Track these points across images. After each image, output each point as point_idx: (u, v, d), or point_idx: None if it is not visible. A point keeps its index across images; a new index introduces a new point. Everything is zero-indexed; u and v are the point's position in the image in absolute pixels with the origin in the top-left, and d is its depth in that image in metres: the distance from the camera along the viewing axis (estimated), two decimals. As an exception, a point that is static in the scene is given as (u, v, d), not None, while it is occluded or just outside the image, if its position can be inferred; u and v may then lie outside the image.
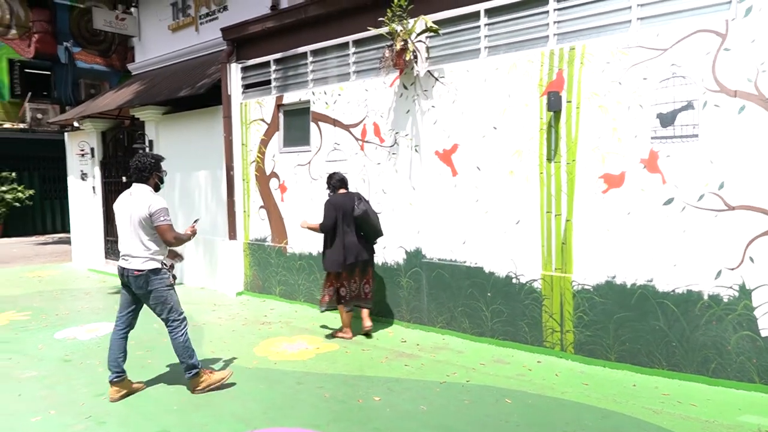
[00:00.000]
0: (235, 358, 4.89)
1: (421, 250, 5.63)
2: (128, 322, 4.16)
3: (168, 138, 8.51)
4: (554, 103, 4.56)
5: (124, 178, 9.52)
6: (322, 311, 5.57)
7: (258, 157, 7.22)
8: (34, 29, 16.49)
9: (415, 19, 5.29)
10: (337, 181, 5.38)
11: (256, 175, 7.27)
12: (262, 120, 7.12)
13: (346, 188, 5.42)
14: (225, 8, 9.03)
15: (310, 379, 4.38)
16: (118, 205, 4.06)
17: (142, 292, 3.98)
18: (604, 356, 4.52)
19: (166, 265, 4.07)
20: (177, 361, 4.79)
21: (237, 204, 7.48)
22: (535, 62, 4.75)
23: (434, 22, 5.24)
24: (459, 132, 5.28)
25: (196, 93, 7.35)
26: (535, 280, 4.88)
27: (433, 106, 5.44)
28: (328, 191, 5.43)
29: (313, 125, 6.54)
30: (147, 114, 8.62)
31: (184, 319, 4.14)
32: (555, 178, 4.71)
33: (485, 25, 5.07)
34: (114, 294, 7.80)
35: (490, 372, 4.49)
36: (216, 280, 7.86)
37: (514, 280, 5.00)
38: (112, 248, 10.16)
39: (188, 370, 4.05)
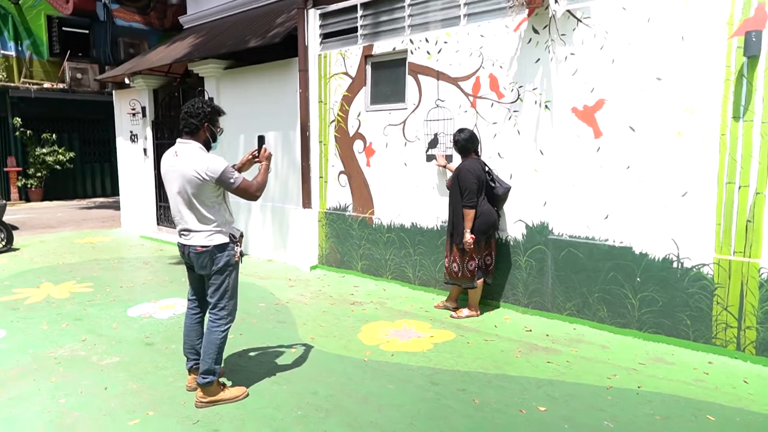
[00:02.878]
0: (343, 348, 4.19)
1: (548, 225, 4.81)
2: (201, 306, 3.47)
3: (231, 95, 7.73)
4: (754, 46, 3.63)
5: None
6: (474, 287, 4.86)
7: (339, 116, 6.41)
8: (73, -17, 15.70)
9: (557, -55, 4.35)
10: (468, 142, 4.70)
11: (336, 136, 6.48)
12: (346, 74, 6.28)
13: (477, 153, 4.76)
14: (291, -50, 8.09)
15: (444, 378, 3.65)
16: (164, 169, 3.20)
17: (206, 271, 3.21)
18: (800, 360, 3.70)
19: (235, 237, 3.26)
20: (279, 347, 4.18)
21: (313, 169, 6.72)
22: (725, -6, 3.81)
23: (582, -51, 4.31)
24: (607, 85, 4.38)
25: (269, 43, 6.52)
26: (704, 265, 4.03)
27: (572, 54, 4.54)
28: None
29: (410, 79, 5.68)
30: (207, 69, 7.83)
31: (233, 314, 3.34)
32: (743, 142, 3.81)
33: (651, -50, 4.11)
34: (175, 264, 7.19)
35: (659, 375, 3.70)
36: (287, 252, 7.17)
37: (674, 264, 4.17)
38: (164, 214, 9.57)
39: (205, 375, 3.21)
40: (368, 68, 6.09)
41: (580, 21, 4.46)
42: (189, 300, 3.47)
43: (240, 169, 3.41)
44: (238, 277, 3.33)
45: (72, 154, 16.07)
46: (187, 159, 3.09)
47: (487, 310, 5.09)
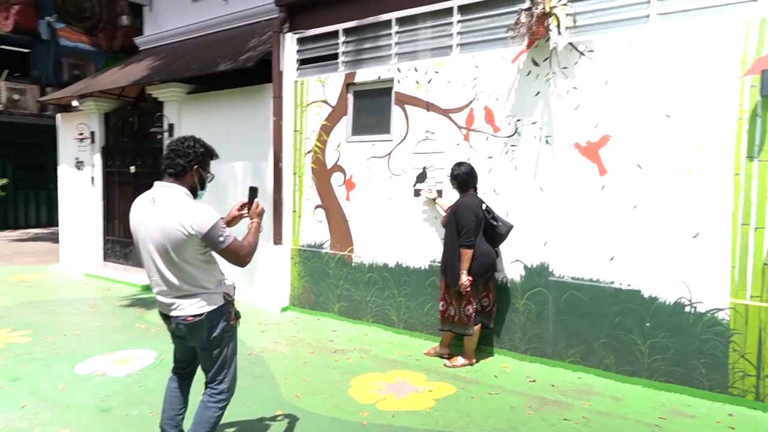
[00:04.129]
0: (335, 409, 3.69)
1: (548, 266, 4.53)
2: (189, 374, 2.94)
3: (194, 121, 7.17)
4: (770, 85, 3.54)
5: (132, 168, 8.14)
6: (470, 334, 4.47)
7: (316, 146, 6.00)
8: (14, 0, 14.71)
9: (560, -24, 4.21)
10: (468, 176, 4.39)
11: (312, 167, 6.05)
12: (325, 102, 5.90)
13: (476, 189, 4.45)
14: (262, -27, 7.74)
15: (458, 444, 3.23)
16: (136, 219, 2.62)
17: (199, 343, 2.67)
18: (825, 412, 3.52)
19: (229, 296, 2.71)
20: (262, 411, 3.57)
21: (285, 202, 6.24)
22: (738, 31, 3.72)
23: (585, -19, 4.17)
24: (612, 120, 4.21)
25: (241, 67, 6.07)
26: (719, 310, 3.84)
27: (574, 88, 4.36)
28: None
29: (396, 109, 5.37)
30: (168, 93, 7.28)
31: (233, 387, 2.79)
32: (759, 181, 3.68)
33: (658, -15, 4.02)
34: (127, 307, 6.46)
35: (684, 431, 3.43)
36: (253, 292, 6.59)
37: (687, 309, 3.95)
38: (112, 249, 8.74)
39: None
40: (350, 97, 5.74)
41: (583, 54, 4.30)
42: (174, 367, 2.90)
43: (227, 225, 2.81)
44: (236, 342, 2.79)
45: (5, 181, 14.74)
46: (167, 207, 2.52)
47: (483, 357, 4.72)
